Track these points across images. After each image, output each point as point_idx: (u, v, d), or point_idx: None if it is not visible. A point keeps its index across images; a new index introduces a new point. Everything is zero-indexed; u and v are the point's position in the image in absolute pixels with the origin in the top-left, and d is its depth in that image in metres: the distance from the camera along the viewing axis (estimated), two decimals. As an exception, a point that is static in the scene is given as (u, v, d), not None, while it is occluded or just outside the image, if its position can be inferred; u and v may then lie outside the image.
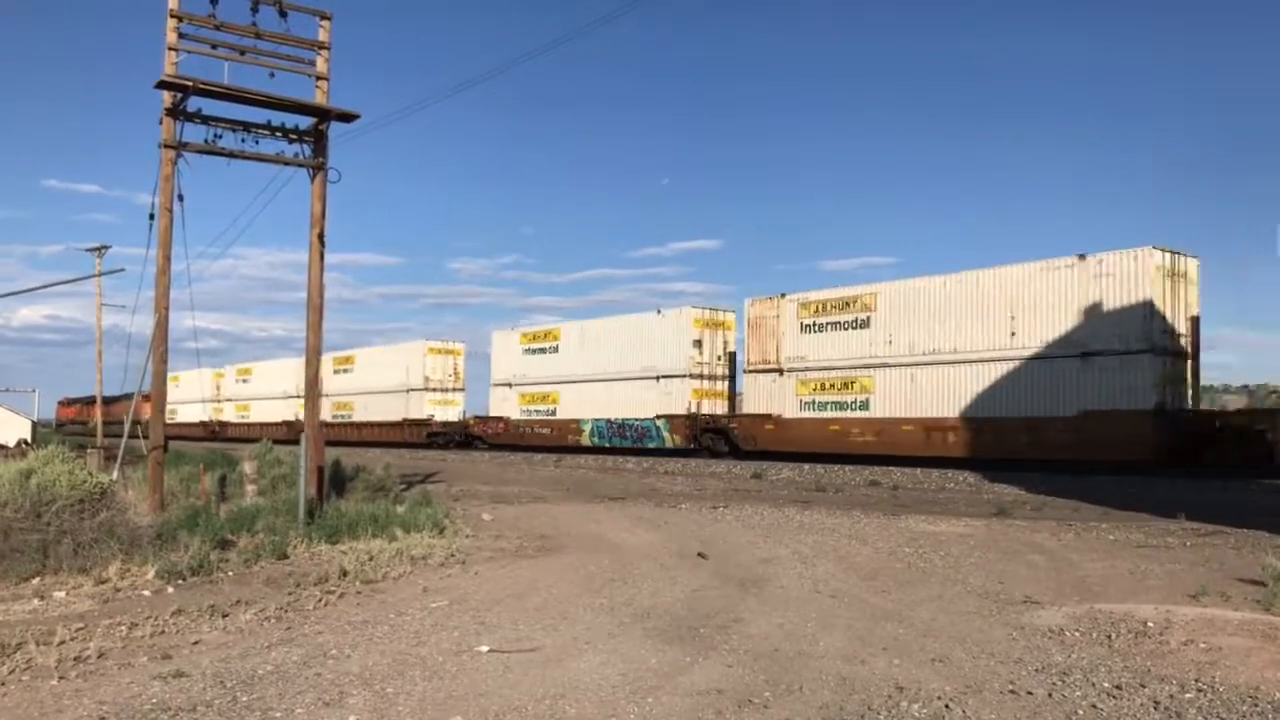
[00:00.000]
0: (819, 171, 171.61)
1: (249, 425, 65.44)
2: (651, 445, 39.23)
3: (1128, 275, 25.96)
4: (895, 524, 15.83)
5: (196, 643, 7.94)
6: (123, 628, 8.29)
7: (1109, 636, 7.88)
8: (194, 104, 15.09)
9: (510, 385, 47.63)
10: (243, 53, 15.20)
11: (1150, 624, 8.18)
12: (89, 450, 25.76)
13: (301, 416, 58.09)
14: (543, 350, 45.98)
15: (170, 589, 10.21)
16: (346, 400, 58.19)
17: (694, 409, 38.05)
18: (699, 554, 12.55)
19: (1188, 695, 6.24)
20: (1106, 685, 6.50)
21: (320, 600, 9.65)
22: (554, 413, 44.77)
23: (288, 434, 48.61)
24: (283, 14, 15.53)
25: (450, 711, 6.05)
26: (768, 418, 34.52)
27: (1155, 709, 5.99)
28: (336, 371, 58.24)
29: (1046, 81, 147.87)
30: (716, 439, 36.65)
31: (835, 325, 32.80)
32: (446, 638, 8.07)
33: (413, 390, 52.99)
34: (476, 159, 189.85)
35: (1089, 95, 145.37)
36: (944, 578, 10.84)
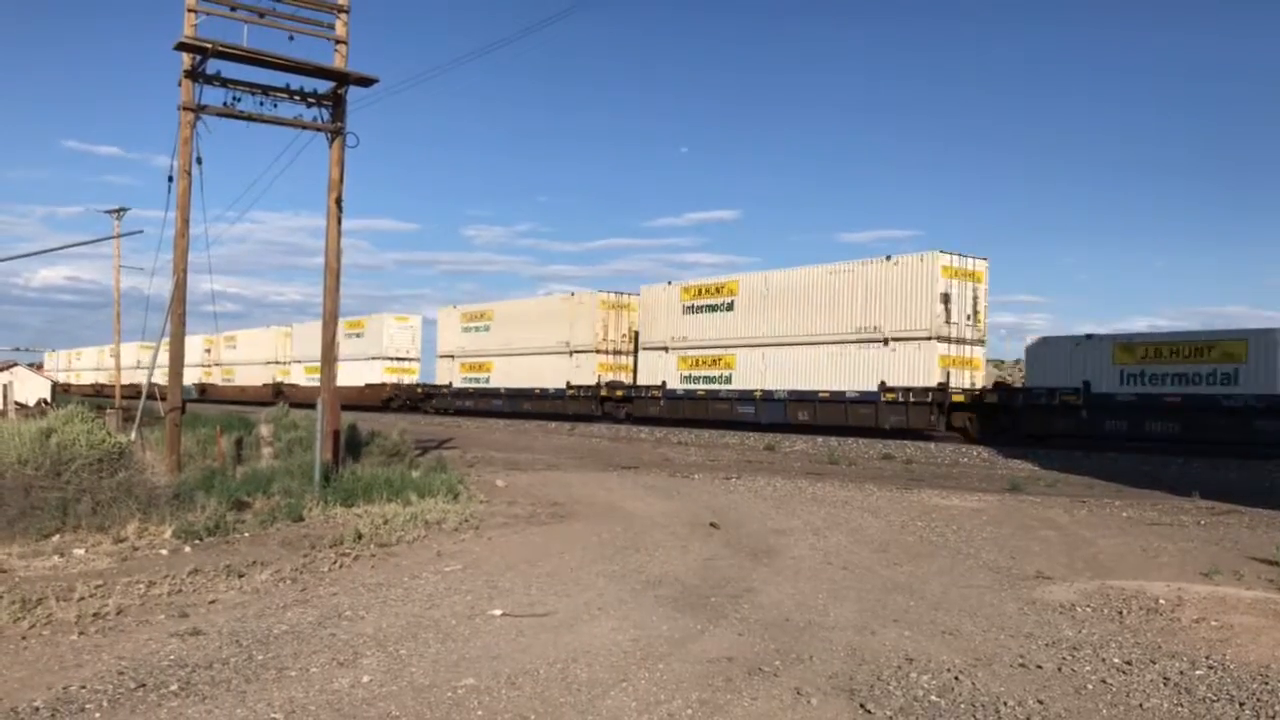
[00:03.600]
0: (838, 142, 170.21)
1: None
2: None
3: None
4: (908, 497, 15.84)
5: (213, 602, 8.04)
6: (141, 586, 8.40)
7: (1120, 613, 7.89)
8: (213, 66, 15.07)
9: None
10: (262, 15, 15.14)
11: (1162, 601, 8.18)
12: (107, 411, 25.99)
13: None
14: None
15: (187, 549, 10.33)
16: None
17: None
18: (711, 524, 12.60)
19: (1198, 672, 6.25)
20: (1117, 661, 6.52)
21: (335, 562, 9.74)
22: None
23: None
24: (302, -24, 15.45)
25: (463, 673, 6.12)
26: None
27: (1165, 685, 6.00)
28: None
29: (1053, 65, 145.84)
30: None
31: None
32: (459, 601, 8.15)
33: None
34: (493, 125, 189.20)
35: (1106, 76, 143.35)
36: (955, 551, 10.86)
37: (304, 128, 16.12)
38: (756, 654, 6.65)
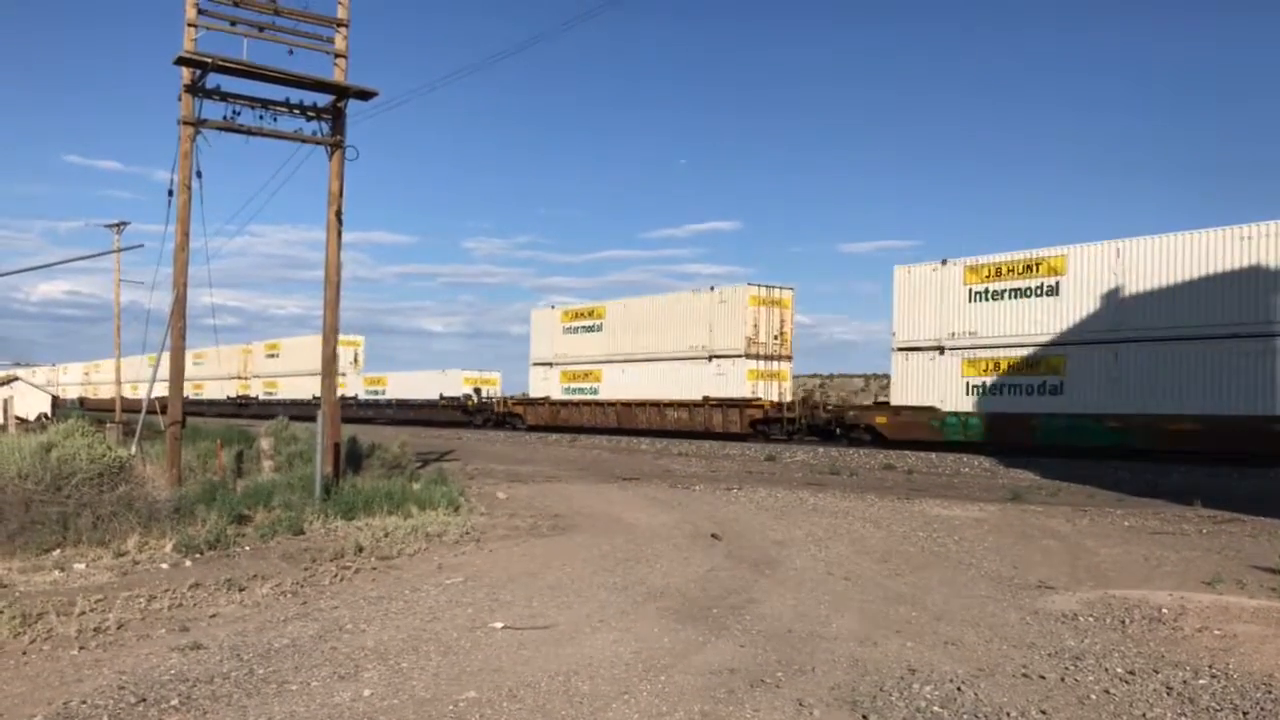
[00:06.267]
0: (838, 153, 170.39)
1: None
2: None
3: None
4: (909, 507, 15.82)
5: (214, 616, 8.02)
6: (141, 600, 8.38)
7: (1123, 622, 7.87)
8: (213, 81, 15.12)
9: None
10: (261, 29, 15.20)
11: (1165, 610, 8.16)
12: (108, 425, 25.98)
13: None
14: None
15: (188, 562, 10.32)
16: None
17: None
18: (712, 535, 12.58)
19: (1201, 681, 6.23)
20: (1120, 670, 6.50)
21: (336, 575, 9.73)
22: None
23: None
24: (302, -9, 15.53)
25: (464, 686, 6.11)
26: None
27: (1168, 694, 5.98)
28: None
29: (1055, 73, 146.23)
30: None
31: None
32: (461, 614, 8.13)
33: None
34: (493, 137, 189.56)
35: (1111, 83, 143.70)
36: (957, 561, 10.83)
37: (304, 141, 16.17)
38: (759, 665, 6.63)
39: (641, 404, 40.17)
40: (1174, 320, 24.35)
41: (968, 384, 28.86)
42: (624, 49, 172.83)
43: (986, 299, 28.68)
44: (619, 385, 41.68)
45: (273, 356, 72.98)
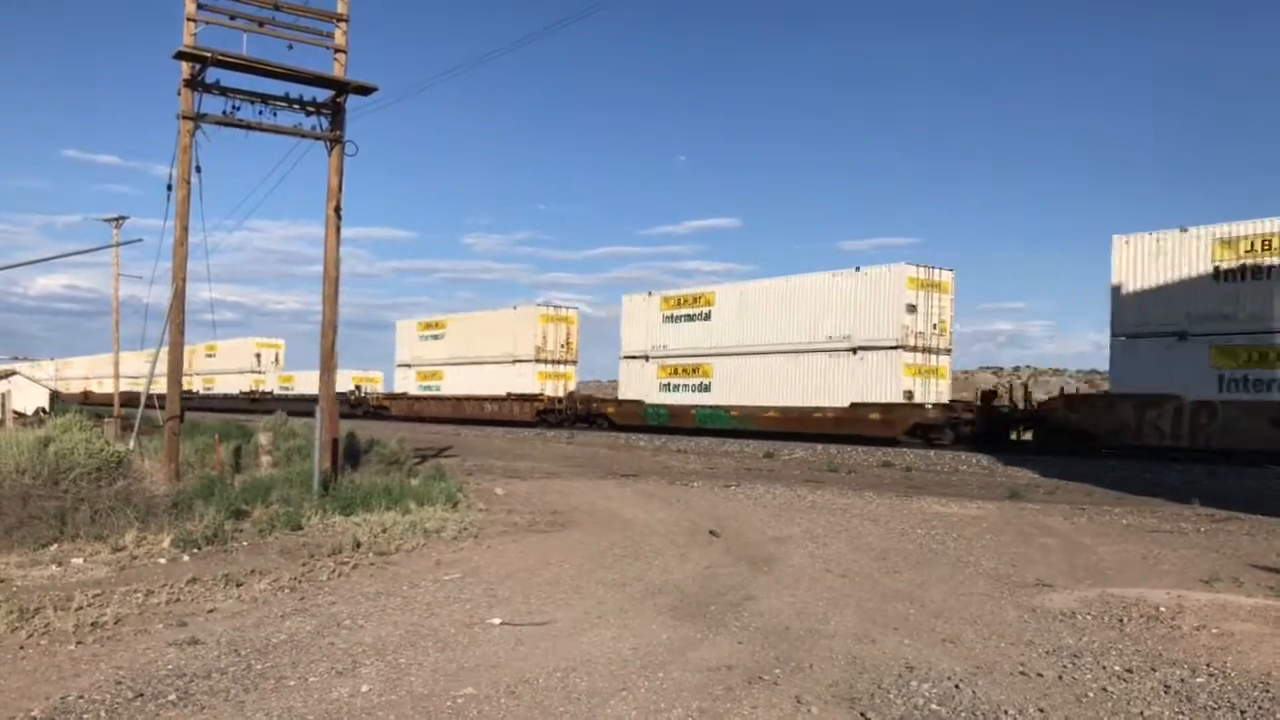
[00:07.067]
0: (839, 151, 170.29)
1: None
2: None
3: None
4: (907, 505, 15.83)
5: (211, 611, 8.02)
6: (139, 595, 8.37)
7: (1120, 620, 7.88)
8: (212, 75, 15.09)
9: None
10: (261, 24, 15.17)
11: (1162, 609, 8.17)
12: (106, 419, 25.95)
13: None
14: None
15: (186, 557, 10.30)
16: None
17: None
18: (710, 532, 12.58)
19: (1199, 680, 6.23)
20: (1117, 668, 6.50)
21: (334, 571, 9.72)
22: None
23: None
24: (301, -15, 15.49)
25: (462, 683, 6.10)
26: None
27: (1166, 693, 5.98)
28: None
29: (1063, 69, 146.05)
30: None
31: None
32: (459, 610, 8.13)
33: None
34: (492, 134, 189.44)
35: (1111, 83, 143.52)
36: (955, 559, 10.84)
37: (303, 136, 16.13)
38: (757, 662, 6.63)
39: (469, 398, 49.66)
40: (767, 339, 34.57)
41: (660, 384, 39.48)
42: (625, 46, 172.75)
43: (673, 321, 39.36)
44: (455, 383, 51.45)
45: (211, 356, 79.87)
